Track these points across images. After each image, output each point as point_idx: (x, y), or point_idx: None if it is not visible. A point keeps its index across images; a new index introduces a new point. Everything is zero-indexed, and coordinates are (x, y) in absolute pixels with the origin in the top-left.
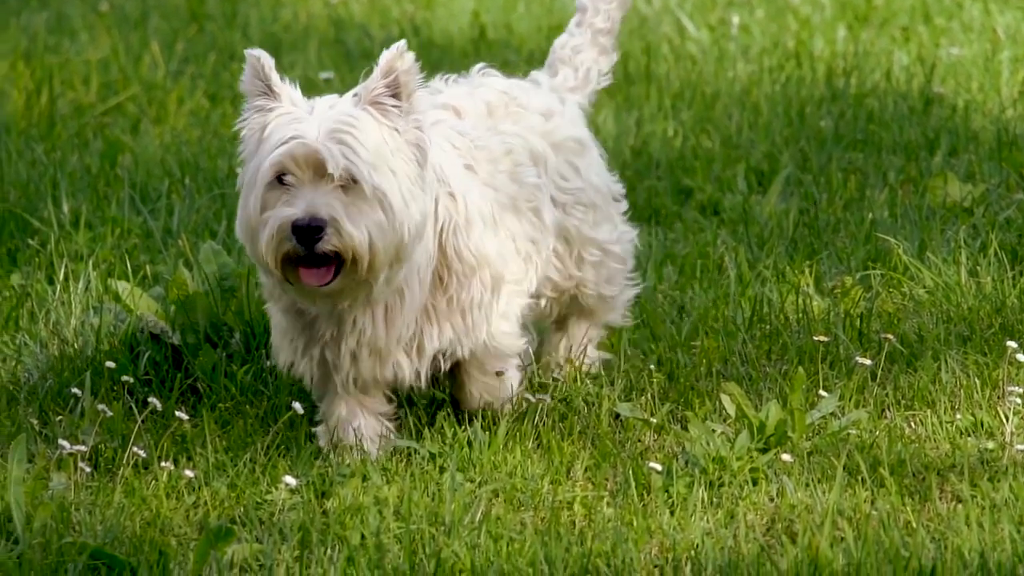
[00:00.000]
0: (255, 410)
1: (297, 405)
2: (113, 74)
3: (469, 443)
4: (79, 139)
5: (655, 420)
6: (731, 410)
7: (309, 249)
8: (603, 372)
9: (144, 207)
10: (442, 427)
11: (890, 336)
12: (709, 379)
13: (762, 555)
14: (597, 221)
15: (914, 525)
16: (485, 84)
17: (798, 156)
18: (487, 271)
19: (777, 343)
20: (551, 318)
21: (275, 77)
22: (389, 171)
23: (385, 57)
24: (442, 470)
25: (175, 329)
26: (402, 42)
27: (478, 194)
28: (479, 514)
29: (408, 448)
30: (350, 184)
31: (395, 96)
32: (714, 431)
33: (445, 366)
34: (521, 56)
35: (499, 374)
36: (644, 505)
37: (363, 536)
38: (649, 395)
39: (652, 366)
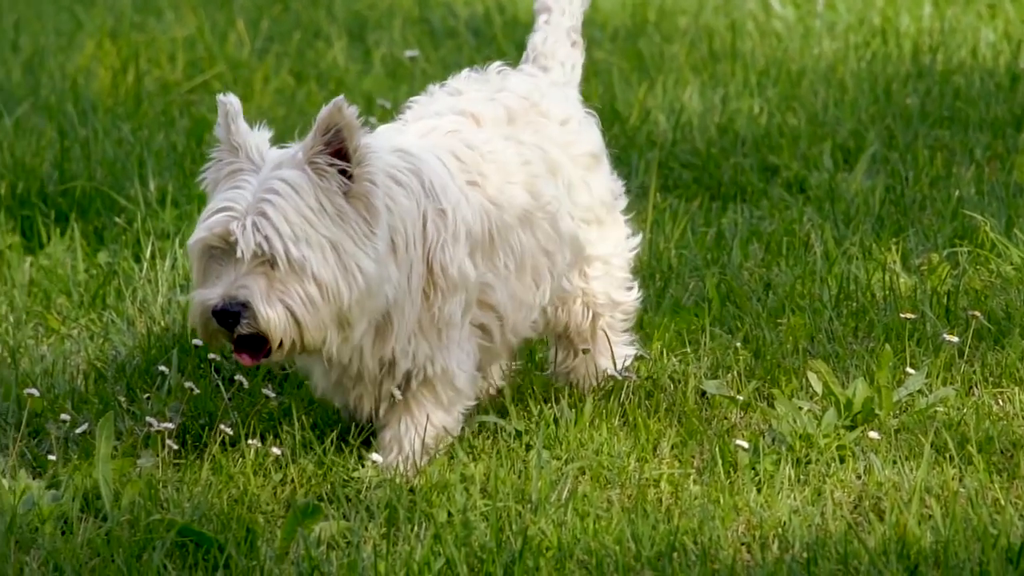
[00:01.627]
0: None
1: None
2: (199, 52)
3: (555, 420)
4: (165, 117)
5: (742, 397)
6: (818, 387)
7: (231, 332)
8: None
9: None
10: (528, 405)
11: (977, 313)
12: (796, 356)
13: (849, 533)
14: (601, 237)
15: (1002, 503)
16: (506, 88)
17: (884, 133)
18: (463, 295)
19: (864, 320)
20: (557, 329)
21: (236, 127)
22: (319, 239)
23: (322, 114)
24: (528, 447)
25: None
26: (340, 97)
27: (472, 213)
28: (565, 492)
29: (494, 425)
30: (273, 259)
31: (338, 152)
32: (801, 408)
33: (406, 386)
34: (606, 33)
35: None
36: (731, 483)
37: (450, 513)
38: (735, 372)
39: (738, 343)
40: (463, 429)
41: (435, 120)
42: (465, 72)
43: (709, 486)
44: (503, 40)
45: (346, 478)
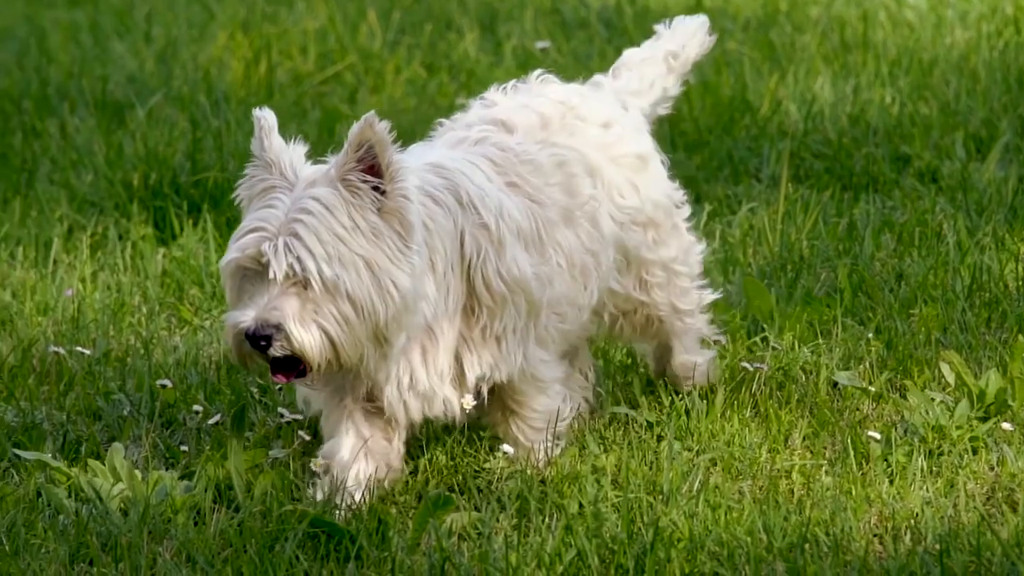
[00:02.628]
0: None
1: None
2: (330, 43)
3: (687, 412)
4: (297, 108)
5: (873, 388)
6: (951, 378)
7: (265, 354)
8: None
9: None
10: (659, 395)
11: None
12: (928, 347)
13: (982, 524)
14: (658, 240)
15: None
16: (543, 94)
17: (1017, 123)
18: (521, 297)
19: (997, 311)
20: (622, 338)
21: (270, 142)
22: (353, 257)
23: (354, 130)
24: (660, 439)
25: None
26: (371, 113)
27: (518, 211)
28: (697, 483)
29: (626, 416)
30: (306, 280)
31: (371, 169)
32: (933, 400)
33: (484, 393)
34: (738, 24)
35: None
36: (863, 474)
37: (581, 505)
38: (867, 363)
39: (870, 334)
40: (594, 420)
41: (464, 131)
42: (511, 83)
43: (841, 477)
44: (634, 31)
45: (477, 469)
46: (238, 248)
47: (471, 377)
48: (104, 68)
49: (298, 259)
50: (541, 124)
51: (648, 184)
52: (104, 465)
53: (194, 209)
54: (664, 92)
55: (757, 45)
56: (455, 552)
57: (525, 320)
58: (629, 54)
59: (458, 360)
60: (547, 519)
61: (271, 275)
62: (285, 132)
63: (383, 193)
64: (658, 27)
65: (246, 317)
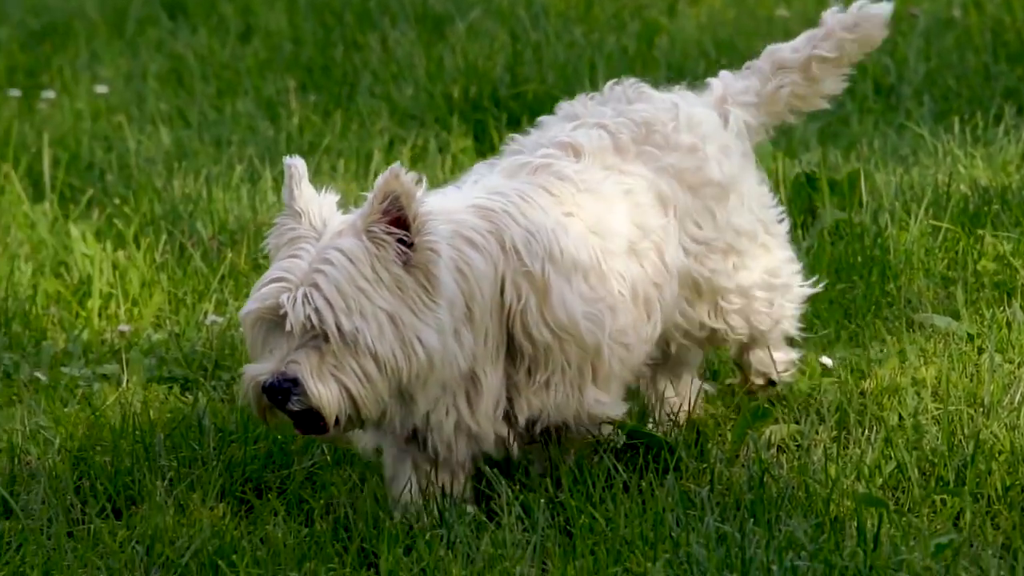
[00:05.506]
0: None
1: None
2: None
3: (1008, 324)
4: (616, 21)
5: None
6: None
7: (283, 408)
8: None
9: None
10: (980, 308)
11: None
12: None
13: None
14: (739, 265)
15: None
16: (625, 113)
17: None
18: (571, 343)
19: None
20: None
21: (300, 191)
22: (375, 310)
23: (379, 182)
24: (980, 351)
25: None
26: (396, 164)
27: (574, 243)
28: (1018, 395)
29: (946, 329)
30: (324, 332)
31: (397, 221)
32: None
33: (536, 432)
34: None
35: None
36: None
37: (900, 417)
38: None
39: None
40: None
41: (526, 156)
42: (609, 84)
43: None
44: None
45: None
46: (258, 299)
47: (521, 420)
48: None
49: (316, 310)
50: (614, 147)
51: (730, 211)
52: None
53: (513, 122)
54: (792, 98)
55: None
56: (774, 464)
57: (578, 363)
58: (770, 51)
59: (509, 400)
60: (866, 431)
61: (288, 327)
62: (604, 45)
63: (410, 245)
64: (826, 15)
65: (264, 370)
